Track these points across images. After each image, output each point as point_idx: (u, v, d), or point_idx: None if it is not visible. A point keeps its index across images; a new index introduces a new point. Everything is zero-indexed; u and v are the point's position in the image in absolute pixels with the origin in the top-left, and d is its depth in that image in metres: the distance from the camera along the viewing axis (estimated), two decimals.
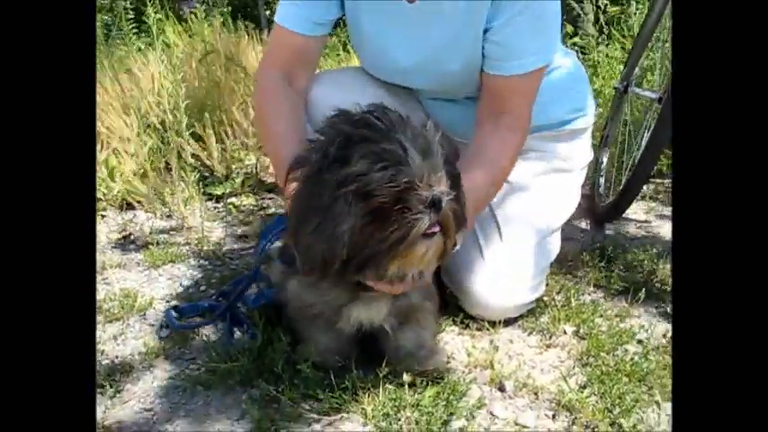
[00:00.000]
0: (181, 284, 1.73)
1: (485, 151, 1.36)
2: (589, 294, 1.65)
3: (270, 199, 2.32)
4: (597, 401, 1.22)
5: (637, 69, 2.29)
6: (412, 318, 1.26)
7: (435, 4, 1.34)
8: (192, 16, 3.72)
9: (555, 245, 1.59)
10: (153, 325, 1.52)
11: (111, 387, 1.29)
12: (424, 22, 1.38)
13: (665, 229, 2.14)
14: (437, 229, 1.03)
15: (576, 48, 3.74)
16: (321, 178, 1.02)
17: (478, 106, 1.40)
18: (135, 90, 2.75)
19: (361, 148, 0.99)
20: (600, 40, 3.65)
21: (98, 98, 2.65)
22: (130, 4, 3.58)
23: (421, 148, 1.01)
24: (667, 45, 2.27)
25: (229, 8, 3.84)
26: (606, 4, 3.79)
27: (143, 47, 3.66)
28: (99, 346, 1.43)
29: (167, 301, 1.64)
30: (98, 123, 2.50)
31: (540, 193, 1.57)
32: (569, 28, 4.10)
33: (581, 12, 3.64)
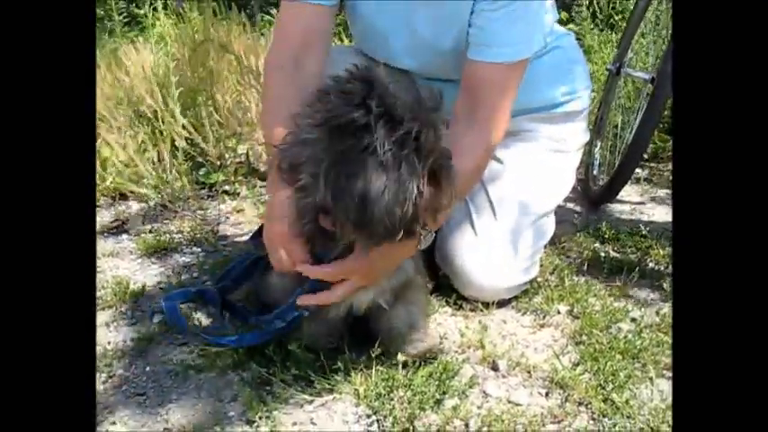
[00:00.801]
0: (173, 272, 1.72)
1: (461, 143, 1.29)
2: (583, 275, 1.65)
3: (263, 187, 2.30)
4: (590, 378, 1.22)
5: (630, 51, 2.28)
6: (402, 295, 1.24)
7: None
8: (183, 9, 3.70)
9: (549, 226, 1.59)
10: (145, 312, 1.51)
11: (104, 372, 1.28)
12: (418, 8, 1.36)
13: (659, 212, 2.14)
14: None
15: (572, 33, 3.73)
16: (362, 132, 0.93)
17: (457, 98, 1.36)
18: (126, 80, 2.73)
19: (399, 103, 0.93)
20: (594, 25, 3.64)
21: None
22: None
23: (434, 106, 0.99)
24: (659, 26, 2.26)
25: None
26: None
27: (135, 37, 3.65)
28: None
29: (161, 288, 1.64)
30: None
31: (535, 173, 1.56)
32: (564, 14, 4.08)
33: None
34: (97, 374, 1.27)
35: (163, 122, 2.31)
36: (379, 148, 0.92)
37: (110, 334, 1.43)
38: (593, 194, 2.18)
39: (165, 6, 3.71)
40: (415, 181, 0.95)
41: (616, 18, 3.69)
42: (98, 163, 2.30)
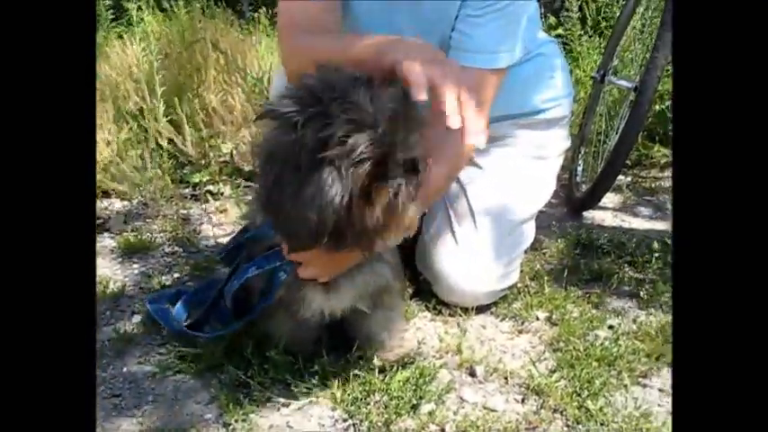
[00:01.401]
0: (154, 272, 1.72)
1: (434, 148, 1.31)
2: (562, 281, 1.66)
3: (246, 187, 2.30)
4: (566, 385, 1.23)
5: (614, 59, 2.30)
6: (380, 300, 1.25)
7: None
8: (173, 2, 3.68)
9: (529, 232, 1.59)
10: (124, 311, 1.51)
11: None
12: (404, 10, 1.37)
13: (640, 220, 2.16)
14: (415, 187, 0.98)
15: (559, 39, 3.75)
16: (297, 137, 0.92)
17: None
18: (112, 76, 2.72)
19: (340, 109, 0.91)
20: (583, 31, 3.66)
21: None
22: None
23: (394, 110, 0.94)
24: (643, 35, 2.28)
25: None
26: None
27: (122, 33, 3.62)
28: None
29: (140, 288, 1.63)
30: None
31: (515, 179, 1.57)
32: (552, 19, 4.10)
33: (564, 3, 3.65)
34: None
35: (147, 120, 2.30)
36: (296, 148, 0.91)
37: None
38: (575, 201, 2.20)
39: (157, 3, 3.70)
40: (337, 188, 0.91)
41: (602, 25, 3.71)
42: None
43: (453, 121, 0.94)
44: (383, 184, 0.94)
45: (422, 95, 0.95)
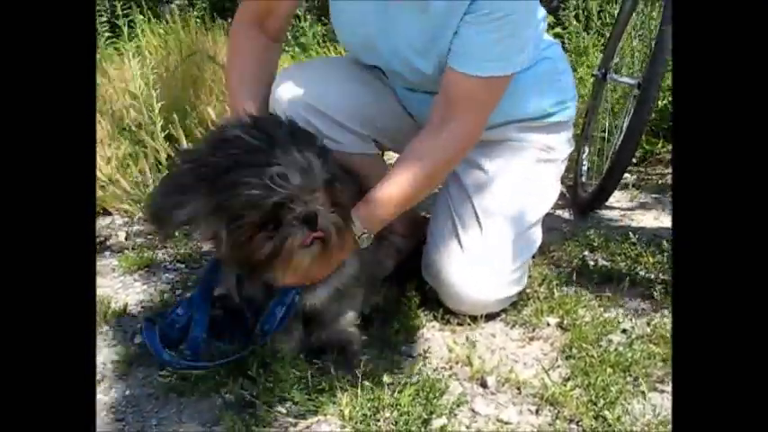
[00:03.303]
0: (156, 290, 1.69)
1: (423, 150, 1.32)
2: (572, 285, 1.63)
3: None
4: (581, 394, 1.20)
5: (615, 56, 2.27)
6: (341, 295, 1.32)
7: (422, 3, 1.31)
8: (169, 16, 3.68)
9: (536, 236, 1.56)
10: (126, 332, 1.48)
11: None
12: (406, 16, 1.34)
13: (649, 218, 2.12)
14: (311, 239, 1.08)
15: (558, 37, 3.73)
16: (192, 177, 1.08)
17: (431, 109, 1.36)
18: (111, 92, 2.70)
19: (226, 178, 1.04)
20: (582, 29, 3.63)
21: None
22: (105, 6, 3.53)
23: (300, 166, 1.04)
24: (643, 31, 2.25)
25: (206, 5, 3.80)
26: None
27: (121, 47, 3.62)
28: None
29: (142, 307, 1.61)
30: None
31: (521, 183, 1.53)
32: (550, 18, 4.08)
33: (560, 1, 3.63)
34: None
35: (146, 136, 2.27)
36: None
37: None
38: (581, 201, 2.17)
39: (155, 15, 3.69)
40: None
41: (597, 22, 3.69)
42: None
43: None
44: (266, 233, 1.06)
45: None
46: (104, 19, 3.31)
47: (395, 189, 1.28)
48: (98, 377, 1.31)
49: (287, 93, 1.41)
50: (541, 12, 1.55)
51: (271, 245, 1.05)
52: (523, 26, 1.31)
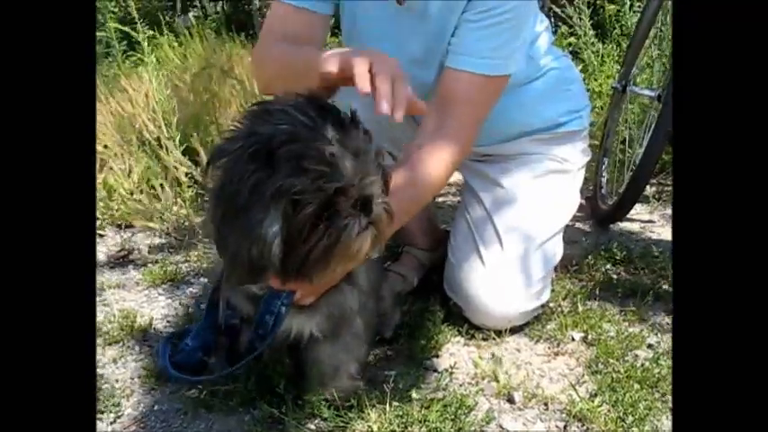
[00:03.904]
0: (181, 303, 1.70)
1: (422, 154, 1.26)
2: (596, 299, 1.62)
3: None
4: (609, 410, 1.19)
5: (634, 68, 2.27)
6: (338, 331, 1.20)
7: (421, 4, 1.32)
8: (186, 31, 3.72)
9: (557, 249, 1.56)
10: (152, 346, 1.49)
11: (112, 412, 1.26)
12: (408, 27, 1.36)
13: (669, 230, 2.11)
14: (365, 224, 0.98)
15: (571, 48, 3.73)
16: (243, 176, 0.93)
17: (428, 107, 1.29)
18: (130, 107, 2.73)
19: (286, 149, 0.92)
20: (595, 39, 3.63)
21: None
22: (121, 22, 3.58)
23: (353, 147, 0.95)
24: (664, 43, 2.25)
25: (222, 19, 3.84)
26: (601, 5, 3.78)
27: (137, 62, 3.66)
28: (99, 370, 1.40)
29: (168, 321, 1.62)
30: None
31: (539, 196, 1.54)
32: (564, 28, 4.08)
33: (574, 12, 3.63)
34: (105, 415, 1.25)
35: (166, 150, 2.30)
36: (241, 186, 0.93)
37: (117, 371, 1.41)
38: (601, 214, 2.16)
39: (170, 30, 3.73)
40: (264, 226, 0.92)
41: (614, 33, 3.68)
42: (104, 192, 2.29)
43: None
44: (326, 223, 0.94)
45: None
46: (121, 36, 3.36)
47: (398, 199, 1.19)
48: (127, 391, 1.33)
49: None
50: (544, 22, 1.56)
51: (330, 234, 0.94)
52: (524, 23, 1.31)
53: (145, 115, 2.52)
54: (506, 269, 1.45)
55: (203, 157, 2.32)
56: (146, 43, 2.50)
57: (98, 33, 4.06)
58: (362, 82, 0.99)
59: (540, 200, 1.54)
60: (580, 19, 3.49)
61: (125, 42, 3.56)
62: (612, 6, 3.92)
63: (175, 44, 3.72)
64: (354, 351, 1.23)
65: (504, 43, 1.28)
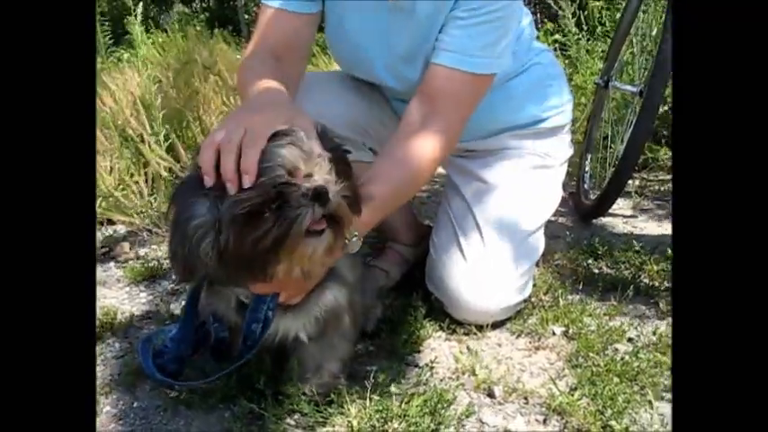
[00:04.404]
0: (162, 300, 1.69)
1: (406, 148, 1.24)
2: (577, 293, 1.63)
3: None
4: (588, 404, 1.20)
5: (616, 64, 2.28)
6: (325, 330, 1.19)
7: (409, 2, 1.31)
8: (169, 25, 3.69)
9: (539, 243, 1.56)
10: (133, 343, 1.48)
11: None
12: (396, 24, 1.35)
13: (652, 225, 2.13)
14: (323, 224, 0.95)
15: (557, 44, 3.74)
16: (185, 182, 0.99)
17: (411, 101, 1.30)
18: (112, 103, 2.71)
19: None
20: (581, 35, 3.65)
21: None
22: (105, 17, 3.55)
23: (289, 140, 0.93)
24: (646, 39, 2.26)
25: (206, 15, 3.82)
26: (587, 1, 3.80)
27: (120, 57, 3.63)
28: None
29: (149, 317, 1.61)
30: None
31: (520, 191, 1.54)
32: (549, 24, 4.09)
33: (559, 9, 3.64)
34: None
35: (149, 146, 2.28)
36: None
37: (98, 368, 1.40)
38: (584, 209, 2.17)
39: (155, 25, 3.70)
40: (204, 218, 0.93)
41: (598, 29, 3.70)
42: None
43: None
44: (277, 213, 0.91)
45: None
46: (106, 27, 3.33)
47: (381, 191, 1.19)
48: (106, 389, 1.32)
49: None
50: (528, 17, 1.56)
51: (277, 229, 0.91)
52: (512, 22, 1.31)
53: (128, 111, 2.50)
54: (487, 264, 1.45)
55: (184, 154, 2.31)
56: (140, 37, 2.48)
57: None
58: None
59: (522, 194, 1.54)
60: (564, 16, 3.50)
61: (110, 38, 3.53)
62: (598, 2, 3.94)
63: (159, 39, 3.69)
64: (338, 350, 1.23)
65: (493, 42, 1.28)
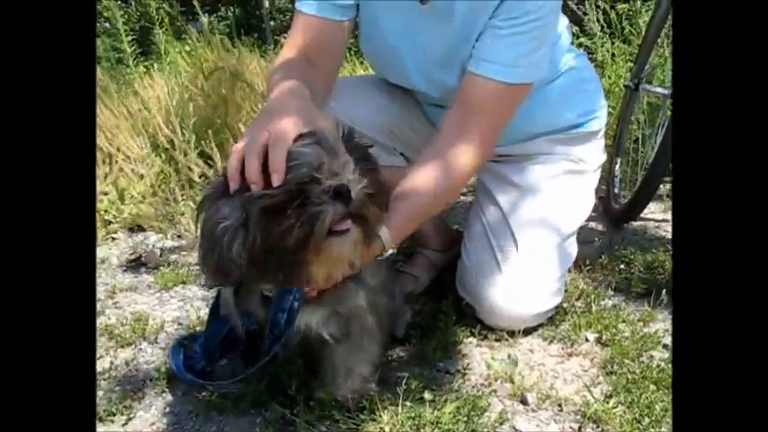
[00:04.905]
0: (192, 306, 1.70)
1: (440, 158, 1.24)
2: (610, 299, 1.60)
3: None
4: (625, 412, 1.17)
5: (647, 66, 2.25)
6: (349, 330, 1.18)
7: (445, 5, 1.31)
8: (196, 35, 3.73)
9: (572, 249, 1.55)
10: (164, 349, 1.49)
11: (123, 414, 1.26)
12: (432, 28, 1.35)
13: None
14: (348, 224, 0.94)
15: (583, 48, 3.71)
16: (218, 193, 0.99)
17: (446, 113, 1.31)
18: (144, 110, 2.75)
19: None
20: (605, 39, 3.61)
21: (107, 120, 2.65)
22: (134, 27, 3.60)
23: (314, 139, 0.94)
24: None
25: (230, 22, 3.85)
26: (611, 4, 3.76)
27: (150, 66, 3.68)
28: (111, 372, 1.40)
29: (179, 324, 1.62)
30: (107, 144, 2.50)
31: (554, 196, 1.53)
32: (575, 28, 4.06)
33: (583, 13, 3.61)
34: (117, 417, 1.25)
35: (181, 152, 2.30)
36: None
37: (129, 373, 1.41)
38: (615, 213, 2.14)
39: (178, 36, 3.75)
40: (231, 216, 0.94)
41: (625, 30, 3.66)
42: (116, 194, 2.30)
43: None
44: (298, 210, 0.91)
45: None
46: (133, 37, 3.38)
47: (415, 201, 1.20)
48: (139, 394, 1.33)
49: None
50: (564, 21, 1.55)
51: (300, 227, 0.90)
52: (550, 31, 1.30)
53: (159, 118, 2.53)
54: (521, 270, 1.43)
55: (217, 160, 2.33)
56: (164, 45, 2.52)
57: (111, 39, 4.09)
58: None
59: (557, 200, 1.52)
60: (589, 19, 3.47)
61: (137, 47, 3.58)
62: (624, 5, 3.90)
63: (186, 48, 3.74)
64: (367, 352, 1.22)
65: (530, 51, 1.27)
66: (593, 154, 1.61)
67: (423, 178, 1.22)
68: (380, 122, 1.47)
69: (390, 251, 1.15)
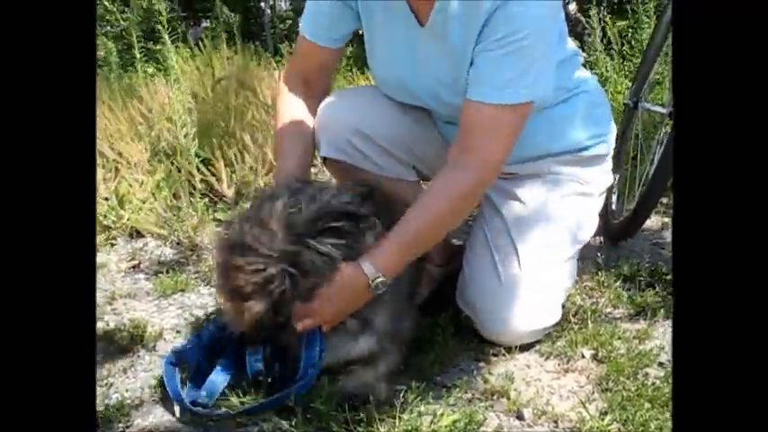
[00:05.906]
0: (191, 314, 1.71)
1: (436, 187, 1.34)
2: (606, 315, 1.62)
3: None
4: (620, 429, 1.19)
5: (646, 84, 2.27)
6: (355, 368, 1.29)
7: (441, 27, 1.33)
8: (200, 42, 3.76)
9: (573, 269, 1.56)
10: (163, 356, 1.49)
11: (121, 422, 1.26)
12: (433, 51, 1.37)
13: None
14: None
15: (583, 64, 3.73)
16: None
17: (451, 144, 1.37)
18: (146, 116, 2.76)
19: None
20: (607, 55, 3.64)
21: (109, 125, 2.66)
22: (140, 31, 3.62)
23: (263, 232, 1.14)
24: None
25: (229, 28, 3.87)
26: (612, 20, 3.79)
27: (152, 73, 3.70)
28: (109, 380, 1.41)
29: (177, 332, 1.63)
30: (109, 150, 2.51)
31: (559, 216, 1.53)
32: (575, 43, 4.08)
33: (586, 26, 3.64)
34: (114, 425, 1.26)
35: (184, 159, 2.31)
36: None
37: (127, 381, 1.42)
38: (612, 229, 2.15)
39: (184, 40, 3.77)
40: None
41: (619, 48, 3.68)
42: (116, 200, 2.31)
43: None
44: None
45: None
46: (140, 42, 3.39)
47: (412, 231, 1.26)
48: (136, 401, 1.33)
49: (332, 119, 1.45)
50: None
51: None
52: (539, 50, 1.29)
53: (162, 124, 2.54)
54: (522, 287, 1.44)
55: (219, 167, 2.34)
56: (172, 53, 2.53)
57: (114, 44, 4.11)
58: None
59: (561, 220, 1.53)
60: (589, 36, 3.50)
61: (143, 53, 3.59)
62: (623, 22, 3.93)
63: (187, 55, 3.76)
64: (387, 355, 1.31)
65: (523, 70, 1.27)
66: (600, 177, 1.62)
67: (422, 203, 1.28)
68: (395, 134, 1.50)
69: (383, 288, 1.22)
